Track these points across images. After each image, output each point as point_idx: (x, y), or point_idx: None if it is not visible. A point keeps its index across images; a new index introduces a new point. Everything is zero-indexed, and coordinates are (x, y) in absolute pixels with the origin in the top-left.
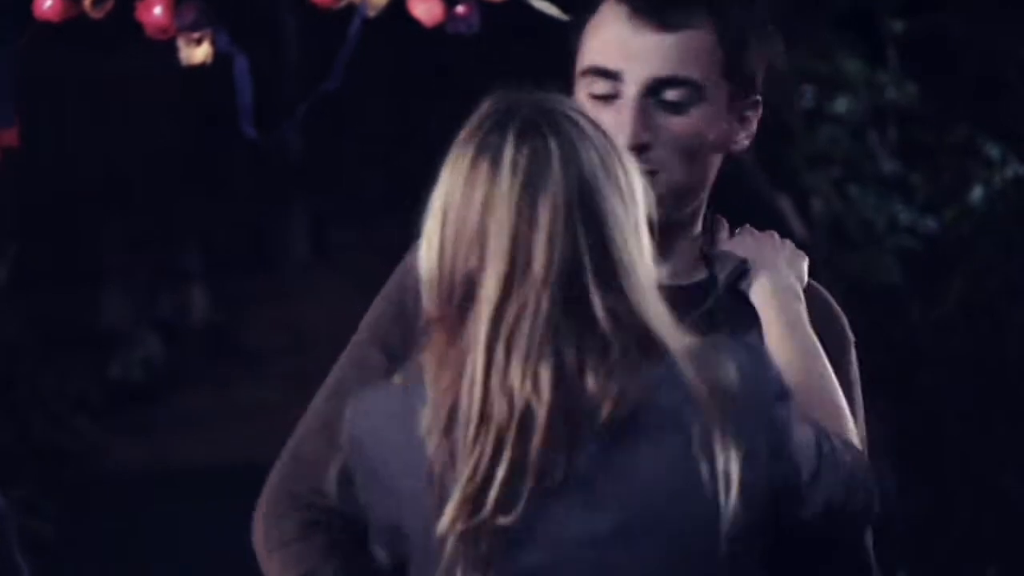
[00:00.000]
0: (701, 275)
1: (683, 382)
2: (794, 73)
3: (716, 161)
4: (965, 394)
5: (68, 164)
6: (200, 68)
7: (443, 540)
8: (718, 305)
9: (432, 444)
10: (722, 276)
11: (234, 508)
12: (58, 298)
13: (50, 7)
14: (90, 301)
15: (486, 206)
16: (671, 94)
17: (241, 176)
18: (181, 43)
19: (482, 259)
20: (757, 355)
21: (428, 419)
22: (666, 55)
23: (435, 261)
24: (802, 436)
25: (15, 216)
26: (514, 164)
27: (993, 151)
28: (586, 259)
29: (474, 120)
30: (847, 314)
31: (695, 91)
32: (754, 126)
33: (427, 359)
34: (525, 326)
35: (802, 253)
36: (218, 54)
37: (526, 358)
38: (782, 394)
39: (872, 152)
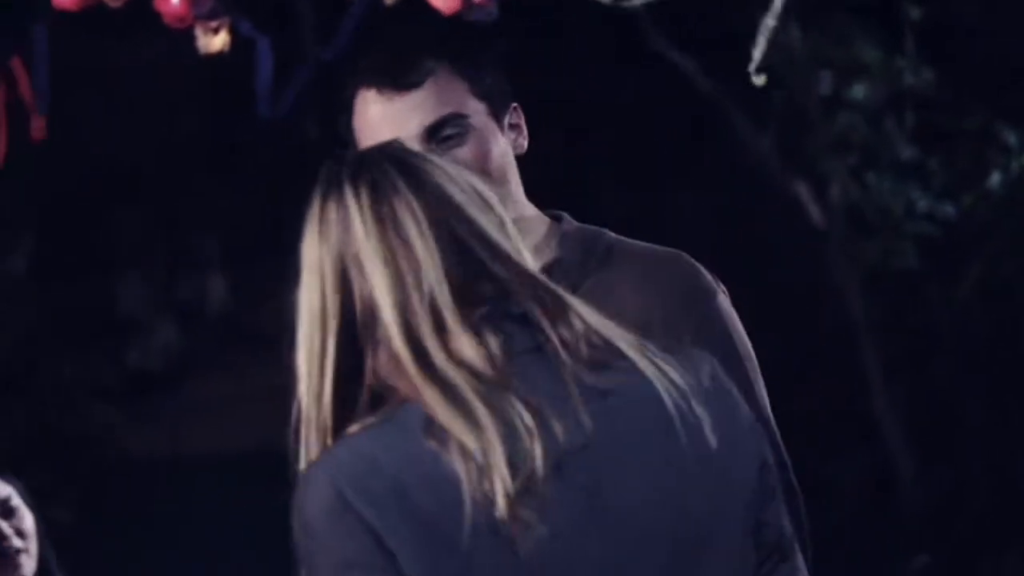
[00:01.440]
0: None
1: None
2: (812, 59)
3: (512, 170)
4: (982, 379)
5: (85, 153)
6: (218, 56)
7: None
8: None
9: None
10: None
11: (251, 494)
12: (75, 286)
13: None
14: (107, 289)
15: (349, 241)
16: (446, 131)
17: (258, 163)
18: (199, 31)
19: (369, 288)
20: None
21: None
22: (423, 105)
23: (335, 316)
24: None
25: (33, 205)
26: (357, 196)
27: (1010, 137)
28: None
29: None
30: (865, 299)
31: (462, 121)
32: (524, 126)
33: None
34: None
35: None
36: (235, 42)
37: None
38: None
39: (890, 138)
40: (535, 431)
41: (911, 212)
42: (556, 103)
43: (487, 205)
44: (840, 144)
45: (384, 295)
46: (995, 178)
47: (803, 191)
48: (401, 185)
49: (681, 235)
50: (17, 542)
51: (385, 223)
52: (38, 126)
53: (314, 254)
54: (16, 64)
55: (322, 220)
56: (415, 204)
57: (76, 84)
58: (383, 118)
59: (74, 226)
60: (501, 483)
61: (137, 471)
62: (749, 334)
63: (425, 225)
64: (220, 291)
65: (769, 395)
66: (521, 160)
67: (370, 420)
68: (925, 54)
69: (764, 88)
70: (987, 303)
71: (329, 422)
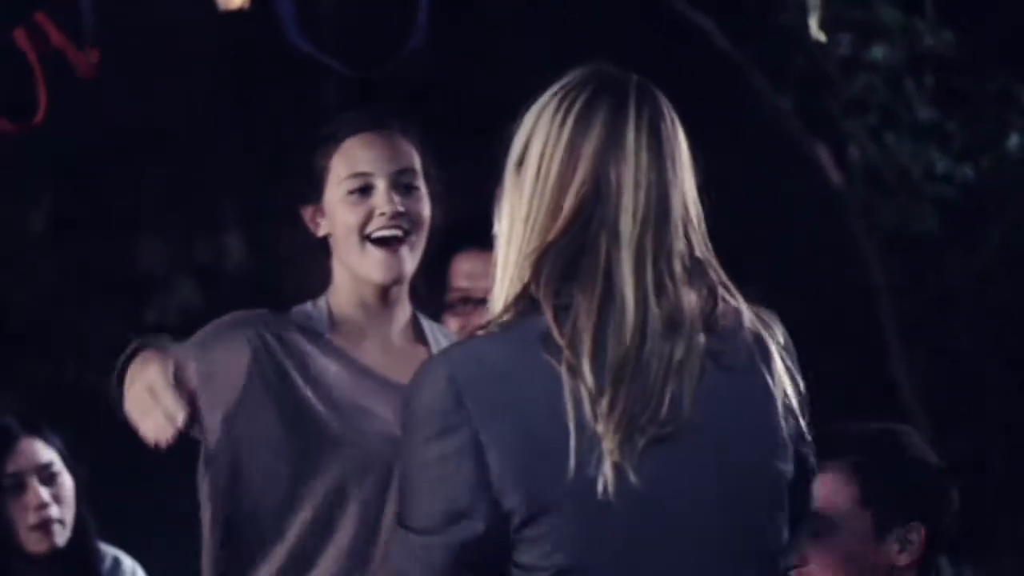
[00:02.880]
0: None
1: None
2: (831, 20)
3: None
4: (1002, 342)
5: (105, 109)
6: (238, 14)
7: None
8: None
9: (583, 368)
10: None
11: None
12: (95, 244)
13: None
14: (127, 247)
15: (609, 148)
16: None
17: (278, 122)
18: None
19: (617, 196)
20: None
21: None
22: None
23: (551, 190)
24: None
25: (52, 162)
26: (638, 114)
27: None
28: (687, 211)
29: (572, 81)
30: (884, 263)
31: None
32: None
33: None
34: (663, 263)
35: None
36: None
37: (666, 290)
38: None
39: (909, 100)
40: (660, 379)
41: (930, 174)
42: (573, 64)
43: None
44: (859, 105)
45: (626, 214)
46: (1014, 140)
47: (822, 152)
48: (672, 130)
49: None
50: (54, 511)
51: (651, 160)
52: (85, 62)
53: (561, 141)
54: (42, 18)
55: (589, 116)
56: (676, 152)
57: (96, 42)
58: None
59: (93, 183)
60: (608, 414)
61: None
62: (766, 296)
63: (672, 173)
64: (239, 250)
65: None
66: None
67: (497, 324)
68: (945, 16)
69: (783, 49)
70: (1006, 266)
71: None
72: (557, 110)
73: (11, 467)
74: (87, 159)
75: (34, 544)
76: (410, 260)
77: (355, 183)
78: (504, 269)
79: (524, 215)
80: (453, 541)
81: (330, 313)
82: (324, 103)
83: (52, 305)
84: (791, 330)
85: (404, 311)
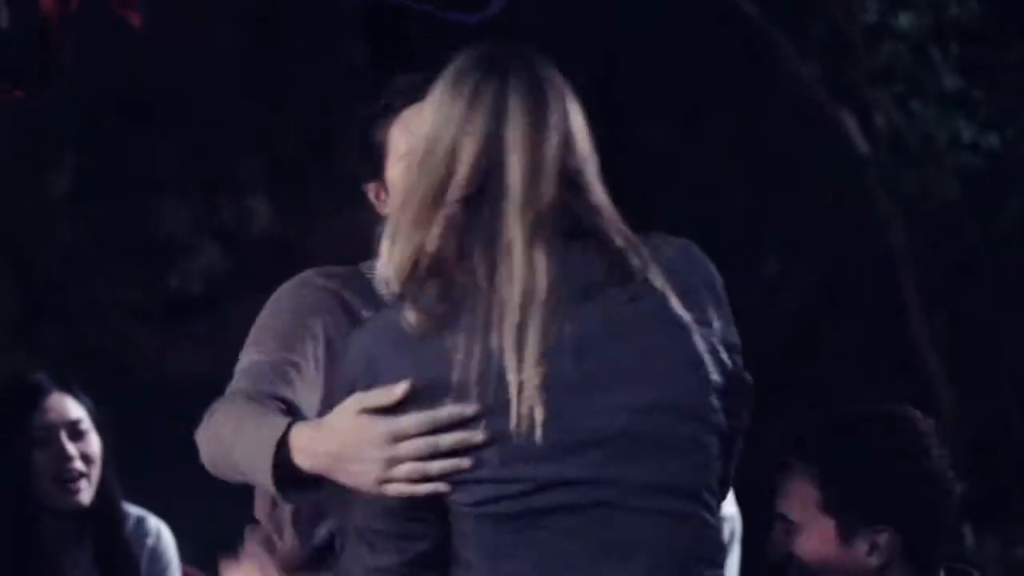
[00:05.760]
0: None
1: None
2: None
3: None
4: (1022, 311)
5: (127, 72)
6: None
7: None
8: None
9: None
10: None
11: None
12: (118, 207)
13: None
14: (150, 210)
15: (501, 118)
16: None
17: (304, 83)
18: None
19: (500, 154)
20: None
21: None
22: None
23: (443, 159)
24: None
25: (74, 126)
26: (517, 83)
27: None
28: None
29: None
30: (905, 231)
31: None
32: None
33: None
34: (547, 217)
35: None
36: None
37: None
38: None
39: (935, 68)
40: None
41: (955, 142)
42: (598, 29)
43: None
44: (885, 73)
45: (515, 173)
46: None
47: (848, 120)
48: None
49: (723, 163)
50: (79, 465)
51: (533, 119)
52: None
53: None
54: None
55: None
56: (560, 114)
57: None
58: None
59: (115, 146)
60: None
61: (176, 394)
62: (789, 260)
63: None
64: (263, 212)
65: (809, 322)
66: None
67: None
68: None
69: (810, 16)
70: None
71: None
72: (443, 95)
73: (40, 420)
74: (110, 123)
75: (58, 499)
76: None
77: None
78: (394, 236)
79: (413, 184)
80: None
81: None
82: (348, 62)
83: (74, 269)
84: (813, 295)
85: None
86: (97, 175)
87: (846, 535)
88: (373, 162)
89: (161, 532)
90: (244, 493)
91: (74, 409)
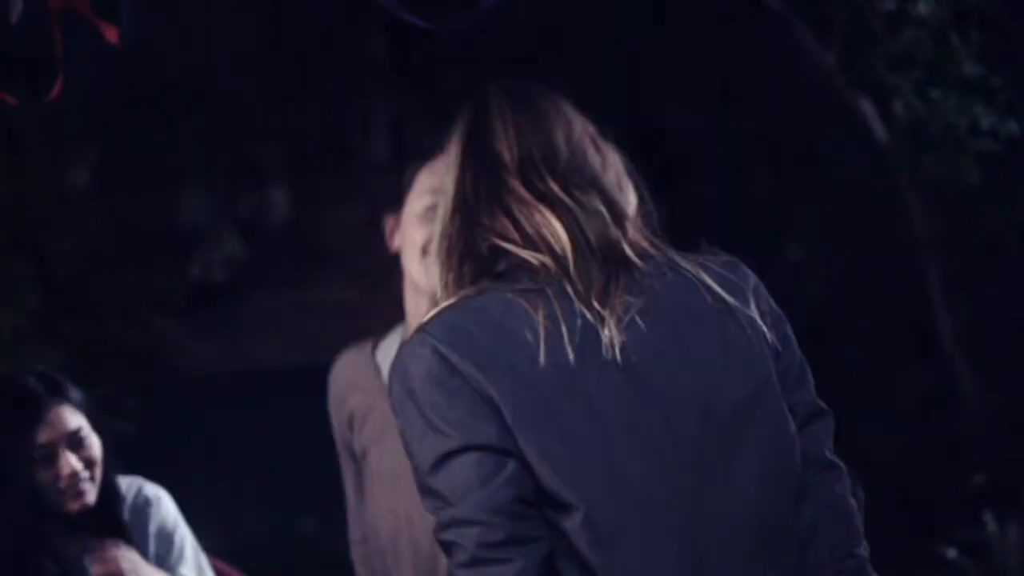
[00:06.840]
0: None
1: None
2: None
3: None
4: None
5: (149, 64)
6: None
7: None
8: None
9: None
10: None
11: (313, 405)
12: (139, 198)
13: None
14: (171, 201)
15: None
16: None
17: (324, 76)
18: None
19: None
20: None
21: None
22: None
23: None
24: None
25: (96, 117)
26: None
27: None
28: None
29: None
30: (927, 218)
31: None
32: None
33: None
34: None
35: None
36: None
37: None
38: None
39: (954, 55)
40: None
41: (975, 129)
42: (626, 20)
43: None
44: (904, 60)
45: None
46: None
47: (867, 107)
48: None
49: (744, 151)
50: (84, 475)
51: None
52: (112, 31)
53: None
54: None
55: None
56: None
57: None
58: None
59: (138, 138)
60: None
61: (198, 383)
62: (811, 249)
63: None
64: (283, 203)
65: (831, 309)
66: (589, 81)
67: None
68: None
69: (830, 3)
70: None
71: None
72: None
73: (42, 438)
74: (131, 114)
75: (63, 505)
76: None
77: (430, 199)
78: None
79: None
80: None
81: None
82: (370, 56)
83: (96, 260)
84: (836, 281)
85: None
86: (119, 167)
87: None
88: (398, 197)
89: (160, 498)
90: (268, 482)
91: (72, 419)
